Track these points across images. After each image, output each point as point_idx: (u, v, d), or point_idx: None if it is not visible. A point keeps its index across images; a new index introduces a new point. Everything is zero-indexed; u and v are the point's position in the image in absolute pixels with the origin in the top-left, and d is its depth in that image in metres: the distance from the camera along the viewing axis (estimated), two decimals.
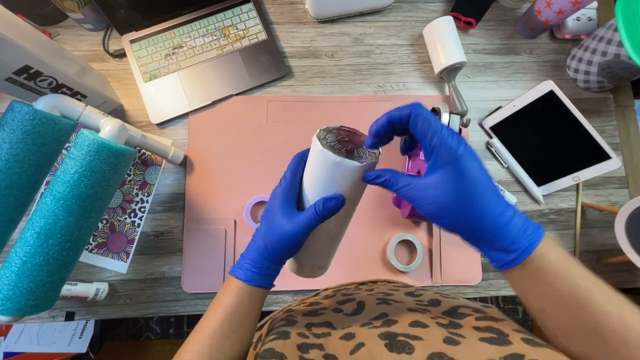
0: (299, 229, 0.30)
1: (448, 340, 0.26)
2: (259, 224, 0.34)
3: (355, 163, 0.29)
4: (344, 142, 0.32)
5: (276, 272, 0.34)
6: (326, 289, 0.52)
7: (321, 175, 0.31)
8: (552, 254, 0.26)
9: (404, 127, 0.28)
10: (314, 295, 0.50)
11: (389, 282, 0.53)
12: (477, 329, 0.28)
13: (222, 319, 0.31)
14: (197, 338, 0.31)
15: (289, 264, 0.38)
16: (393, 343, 0.27)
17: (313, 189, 0.32)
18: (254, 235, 0.34)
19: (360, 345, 0.27)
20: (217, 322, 0.31)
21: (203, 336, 0.31)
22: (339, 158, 0.29)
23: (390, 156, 0.68)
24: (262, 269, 0.32)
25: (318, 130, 0.32)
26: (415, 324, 0.30)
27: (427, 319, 0.31)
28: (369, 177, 0.29)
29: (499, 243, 0.26)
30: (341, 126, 0.34)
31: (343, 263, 0.65)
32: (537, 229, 0.26)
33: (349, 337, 0.30)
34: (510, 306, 1.45)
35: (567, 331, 0.26)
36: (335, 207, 0.30)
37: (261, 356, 0.27)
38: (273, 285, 0.34)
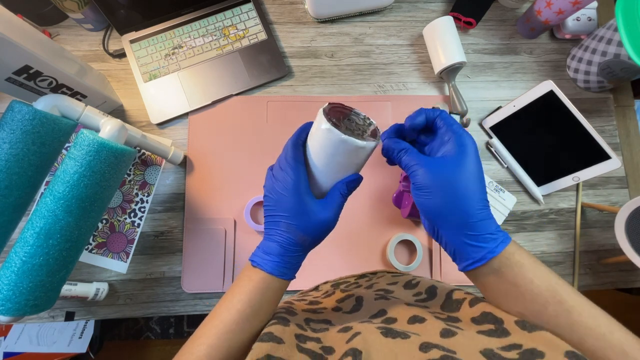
0: (333, 215, 0.32)
1: (445, 333, 0.27)
2: (265, 219, 0.33)
3: (375, 143, 0.32)
4: (333, 115, 0.33)
5: (301, 262, 0.34)
6: (326, 282, 0.52)
7: (340, 160, 0.32)
8: (523, 253, 0.28)
9: (431, 123, 0.32)
10: (314, 290, 0.50)
11: (388, 272, 0.52)
12: (474, 320, 0.28)
13: (244, 315, 0.30)
14: (215, 329, 0.30)
15: None
16: (389, 331, 0.27)
17: (331, 173, 0.32)
18: (270, 231, 0.33)
19: (356, 334, 0.28)
20: (239, 316, 0.30)
21: (222, 329, 0.30)
22: (363, 142, 0.30)
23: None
24: (290, 263, 0.32)
25: (324, 114, 0.31)
26: (413, 319, 0.30)
27: (425, 313, 0.31)
28: (389, 144, 0.32)
29: (479, 230, 0.28)
30: (329, 103, 0.33)
31: (343, 263, 0.65)
32: (506, 234, 0.29)
33: (346, 329, 0.30)
34: None
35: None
36: (356, 187, 0.33)
37: (259, 339, 0.28)
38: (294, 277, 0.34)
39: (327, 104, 0.33)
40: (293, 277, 0.33)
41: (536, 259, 0.28)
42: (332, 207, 0.31)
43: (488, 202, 0.29)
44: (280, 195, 0.31)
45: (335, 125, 0.30)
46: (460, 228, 0.28)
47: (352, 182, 0.32)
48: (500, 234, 0.28)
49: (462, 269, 0.29)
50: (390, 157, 0.32)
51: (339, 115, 0.33)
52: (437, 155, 0.30)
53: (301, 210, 0.31)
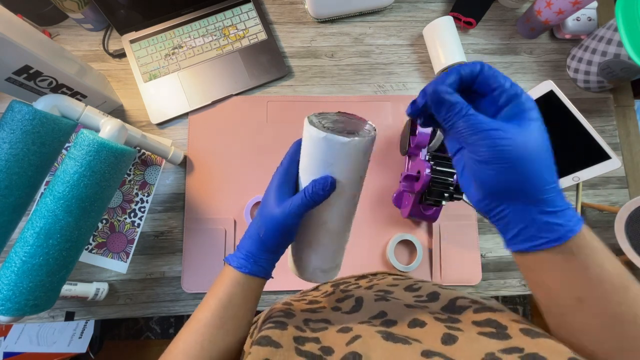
0: (287, 214, 0.30)
1: (446, 339, 0.26)
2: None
3: (343, 138, 0.28)
4: (340, 124, 0.31)
5: (272, 262, 0.34)
6: (325, 283, 0.52)
7: (310, 155, 0.30)
8: (593, 234, 0.25)
9: (471, 84, 0.25)
10: (314, 290, 0.50)
11: (389, 274, 0.52)
12: (476, 323, 0.28)
13: (215, 310, 0.31)
14: (190, 328, 0.31)
15: (290, 263, 0.38)
16: (390, 336, 0.27)
17: (305, 172, 0.31)
18: (250, 224, 0.34)
19: (357, 337, 0.28)
20: (210, 312, 0.31)
21: (196, 327, 0.31)
22: (323, 133, 0.28)
23: (389, 157, 0.68)
24: (255, 258, 0.32)
25: (308, 116, 0.31)
26: (413, 323, 0.30)
27: (426, 315, 0.30)
28: (438, 91, 0.25)
29: (557, 205, 0.24)
30: (339, 111, 0.33)
31: (343, 263, 0.65)
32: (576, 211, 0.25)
33: (345, 330, 0.30)
34: (511, 306, 1.45)
35: (604, 324, 0.24)
36: (324, 189, 0.29)
37: (257, 342, 0.27)
38: (271, 277, 0.34)
39: (337, 111, 0.33)
40: (261, 275, 0.33)
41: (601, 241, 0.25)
42: (288, 205, 0.30)
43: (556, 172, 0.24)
44: (267, 187, 0.33)
45: (320, 123, 0.30)
46: (535, 204, 0.24)
47: (318, 182, 0.29)
48: (574, 211, 0.24)
49: (527, 249, 0.25)
50: (436, 114, 0.25)
51: (345, 125, 0.31)
52: (500, 114, 0.25)
53: (270, 200, 0.32)
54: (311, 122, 0.29)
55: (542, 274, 0.26)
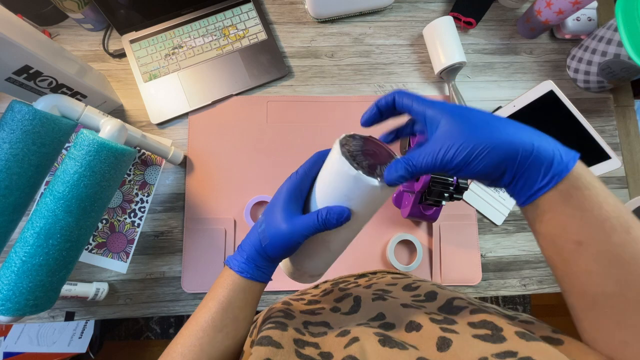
0: (294, 233, 0.29)
1: (440, 344, 0.26)
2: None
3: (373, 181, 0.27)
4: (368, 154, 0.30)
5: (272, 268, 0.33)
6: (325, 282, 0.52)
7: (333, 183, 0.29)
8: (592, 174, 0.25)
9: (391, 110, 0.30)
10: (313, 288, 0.50)
11: (388, 272, 0.52)
12: (471, 324, 0.28)
13: (214, 313, 0.31)
14: (189, 330, 0.31)
15: (282, 263, 0.38)
16: (387, 340, 0.27)
17: (322, 195, 0.31)
18: (252, 226, 0.34)
19: (355, 339, 0.28)
20: (210, 315, 0.31)
21: (195, 329, 0.31)
22: (355, 171, 0.27)
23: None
24: (257, 263, 0.32)
25: (342, 135, 0.30)
26: (410, 327, 0.30)
27: (422, 315, 0.30)
28: (392, 181, 0.28)
29: (539, 160, 0.25)
30: (370, 136, 0.32)
31: (343, 263, 0.65)
32: (569, 149, 0.25)
33: (344, 333, 0.30)
34: (510, 306, 1.45)
35: (603, 265, 0.23)
36: (338, 220, 0.29)
37: (258, 342, 0.27)
38: (270, 280, 0.34)
39: (368, 135, 0.32)
40: (262, 280, 0.33)
41: (600, 181, 0.24)
42: (300, 223, 0.29)
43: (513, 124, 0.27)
44: (277, 193, 0.33)
45: (350, 152, 0.29)
46: (523, 164, 0.25)
47: (333, 213, 0.29)
48: (564, 150, 0.25)
49: (523, 203, 0.27)
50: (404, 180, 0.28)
51: (373, 153, 0.30)
52: (427, 131, 0.28)
53: (278, 211, 0.31)
54: (344, 154, 0.28)
55: (542, 222, 0.26)
